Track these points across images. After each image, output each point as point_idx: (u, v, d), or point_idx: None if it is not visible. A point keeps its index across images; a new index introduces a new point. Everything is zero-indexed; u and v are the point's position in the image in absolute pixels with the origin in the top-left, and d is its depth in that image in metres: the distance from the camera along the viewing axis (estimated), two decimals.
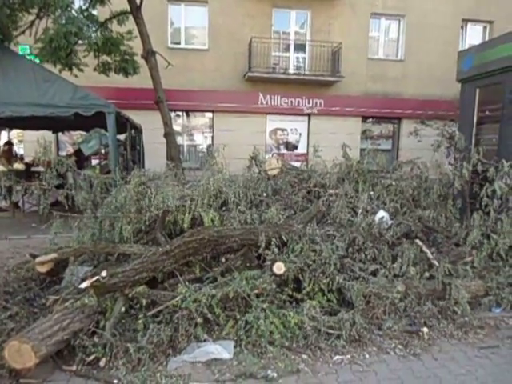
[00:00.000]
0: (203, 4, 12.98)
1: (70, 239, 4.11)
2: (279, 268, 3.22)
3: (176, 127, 12.25)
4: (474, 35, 14.53)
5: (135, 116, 9.39)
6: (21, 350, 2.44)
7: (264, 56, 12.89)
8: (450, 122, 11.22)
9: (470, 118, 5.62)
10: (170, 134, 8.34)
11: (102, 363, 2.64)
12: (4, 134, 12.25)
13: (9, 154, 8.67)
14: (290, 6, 13.47)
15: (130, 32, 9.19)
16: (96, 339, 2.74)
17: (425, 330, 3.12)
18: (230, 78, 13.18)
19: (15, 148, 12.03)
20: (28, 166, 7.97)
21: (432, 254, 3.89)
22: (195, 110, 13.48)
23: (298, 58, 14.03)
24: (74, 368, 2.62)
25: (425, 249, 3.90)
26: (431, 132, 11.52)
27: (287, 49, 13.95)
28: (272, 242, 3.40)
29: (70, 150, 11.17)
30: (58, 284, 3.79)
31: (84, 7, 8.58)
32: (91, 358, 2.67)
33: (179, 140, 12.52)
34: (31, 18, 8.08)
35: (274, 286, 3.16)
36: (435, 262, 3.72)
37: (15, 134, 15.42)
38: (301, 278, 3.29)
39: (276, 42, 13.63)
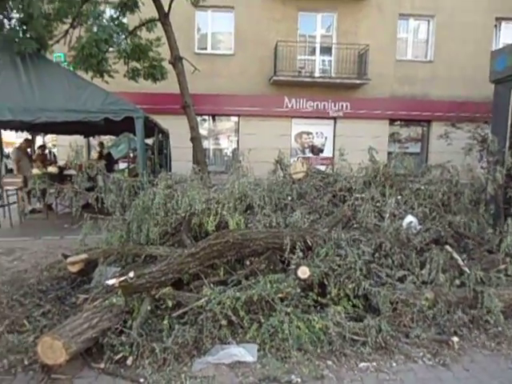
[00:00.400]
0: (229, 10, 13.14)
1: (100, 240, 4.24)
2: (304, 272, 3.20)
3: (202, 131, 12.42)
4: (509, 34, 13.99)
5: (163, 120, 9.59)
6: (53, 347, 2.53)
7: (289, 60, 12.89)
8: (484, 124, 10.83)
9: (504, 120, 5.40)
10: (196, 138, 8.47)
11: (128, 362, 2.70)
12: (39, 138, 12.78)
13: (43, 157, 9.06)
14: (316, 9, 13.43)
15: (158, 39, 9.46)
16: (123, 338, 2.80)
17: (455, 339, 3.01)
18: (255, 82, 13.25)
19: (51, 152, 12.55)
20: (61, 169, 8.28)
21: (463, 260, 3.76)
22: (221, 114, 13.64)
23: (323, 60, 13.96)
24: (102, 366, 2.69)
25: (455, 255, 3.78)
26: (462, 135, 11.16)
27: (313, 52, 13.90)
28: (297, 246, 3.38)
29: (95, 154, 11.51)
30: (87, 283, 3.92)
31: (115, 16, 8.88)
32: (119, 356, 2.73)
33: (205, 144, 12.69)
34: (66, 27, 8.43)
35: (299, 290, 3.14)
36: (466, 269, 3.59)
37: (49, 138, 16.10)
38: (326, 283, 3.26)
39: (302, 45, 13.61)
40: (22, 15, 6.62)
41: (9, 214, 7.23)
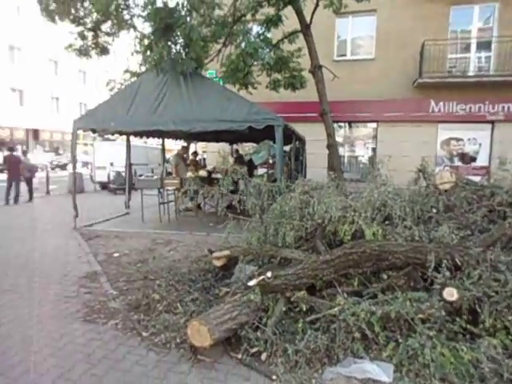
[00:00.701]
0: (371, 13, 12.73)
1: (240, 239, 4.58)
2: (450, 294, 2.87)
3: (338, 138, 12.28)
4: None
5: (299, 128, 9.85)
6: (200, 331, 2.85)
7: (438, 59, 11.79)
8: None
9: None
10: (332, 146, 8.44)
11: (263, 357, 2.85)
12: (192, 145, 14.58)
13: (196, 162, 10.30)
14: (473, 0, 11.98)
15: (299, 49, 9.79)
16: (259, 334, 2.97)
17: None
18: (397, 86, 12.53)
19: (200, 157, 14.17)
20: (209, 173, 9.26)
21: None
22: (358, 120, 13.30)
23: (480, 57, 12.35)
24: (239, 356, 2.90)
25: None
26: None
27: (467, 49, 12.43)
28: (443, 264, 3.06)
29: (230, 160, 12.49)
30: (228, 278, 4.27)
31: (260, 32, 9.56)
32: (254, 350, 2.91)
33: (340, 151, 12.54)
34: (218, 46, 9.43)
35: (444, 313, 2.82)
36: None
37: (200, 145, 18.23)
38: (478, 310, 2.85)
39: (453, 42, 12.30)
40: (184, 40, 7.67)
41: (167, 211, 8.43)
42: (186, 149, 10.58)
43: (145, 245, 6.43)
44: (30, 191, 12.04)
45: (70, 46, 8.51)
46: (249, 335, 2.97)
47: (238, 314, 3.10)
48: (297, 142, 9.46)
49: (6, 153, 12.92)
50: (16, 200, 11.46)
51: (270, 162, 9.37)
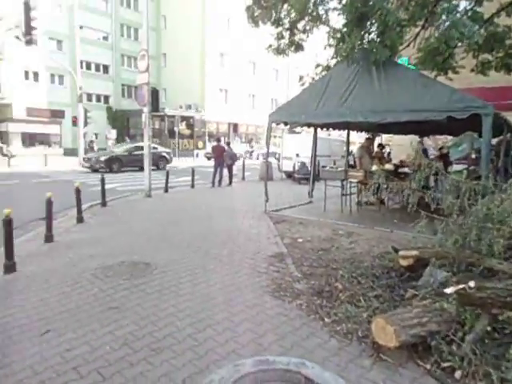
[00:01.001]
0: None
1: (429, 241, 4.17)
2: None
3: None
4: None
5: (511, 117, 8.20)
6: (385, 329, 2.74)
7: None
8: None
9: None
10: None
11: (457, 375, 2.53)
12: (377, 138, 14.05)
13: (381, 155, 9.88)
14: None
15: None
16: (453, 348, 2.65)
17: None
18: None
19: (385, 150, 13.53)
20: (396, 167, 8.75)
21: None
22: None
23: None
24: (427, 366, 2.66)
25: None
26: None
27: None
28: None
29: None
30: (415, 280, 3.96)
31: (469, 7, 8.31)
32: (446, 364, 2.62)
33: None
34: (415, 30, 8.67)
35: None
36: None
37: (384, 138, 17.41)
38: None
39: None
40: (379, 27, 7.34)
41: (349, 203, 8.41)
42: (370, 141, 10.26)
43: (326, 234, 6.60)
44: (231, 176, 14.01)
45: (270, 46, 9.33)
46: (441, 347, 2.68)
47: (427, 320, 2.85)
48: (508, 135, 7.91)
49: (214, 143, 15.45)
50: (220, 183, 13.54)
51: (473, 156, 8.14)
